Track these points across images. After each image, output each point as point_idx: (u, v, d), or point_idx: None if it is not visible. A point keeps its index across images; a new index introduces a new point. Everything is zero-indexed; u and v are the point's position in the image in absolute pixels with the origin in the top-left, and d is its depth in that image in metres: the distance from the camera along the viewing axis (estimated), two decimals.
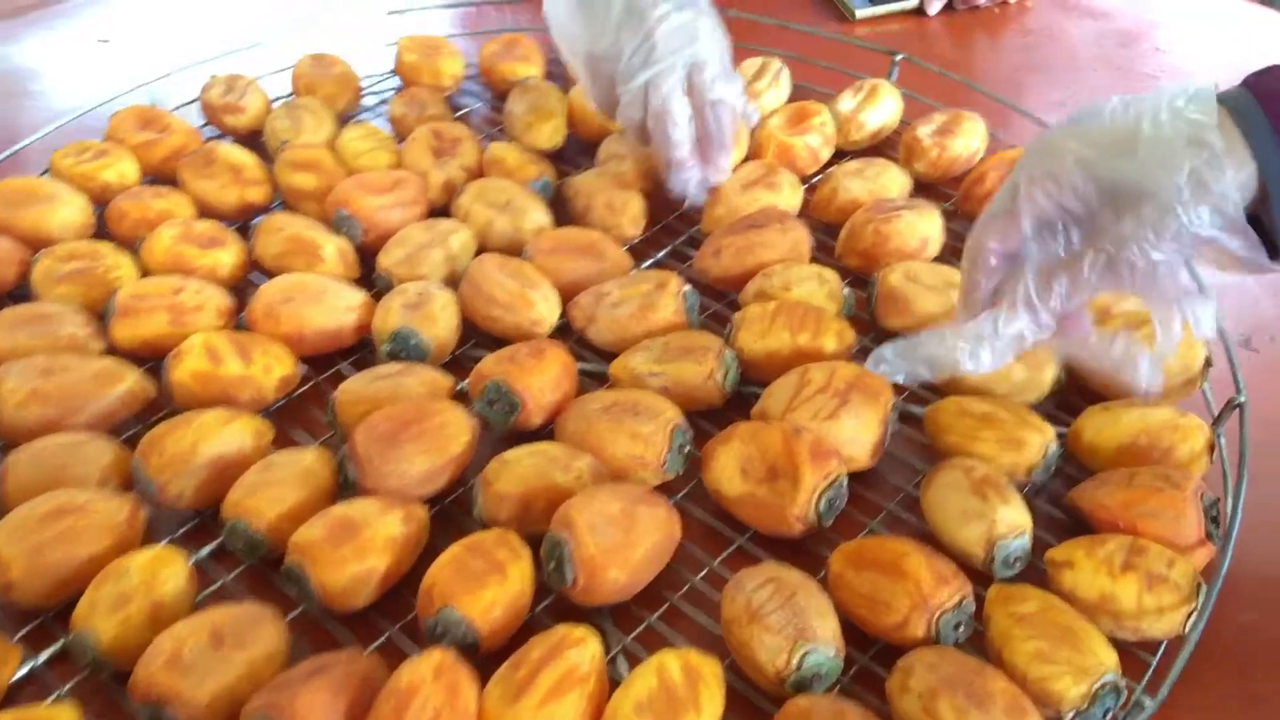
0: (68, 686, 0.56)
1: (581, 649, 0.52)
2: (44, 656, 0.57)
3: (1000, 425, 0.64)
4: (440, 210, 0.87)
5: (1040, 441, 0.63)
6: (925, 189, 0.91)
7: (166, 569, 0.57)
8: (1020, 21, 1.21)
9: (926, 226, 0.79)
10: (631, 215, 0.84)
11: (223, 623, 0.54)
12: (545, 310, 0.74)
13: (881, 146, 0.96)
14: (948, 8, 1.21)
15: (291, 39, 1.05)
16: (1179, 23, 1.20)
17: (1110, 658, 0.53)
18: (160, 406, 0.70)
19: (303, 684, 0.49)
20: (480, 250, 0.82)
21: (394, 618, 0.60)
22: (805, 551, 0.62)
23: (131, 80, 1.00)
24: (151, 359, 0.72)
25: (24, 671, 0.56)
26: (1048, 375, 0.68)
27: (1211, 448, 0.64)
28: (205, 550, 0.62)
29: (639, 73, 0.78)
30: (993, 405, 0.65)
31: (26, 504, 0.59)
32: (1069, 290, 0.56)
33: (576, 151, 0.95)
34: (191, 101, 0.99)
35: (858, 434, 0.64)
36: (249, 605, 0.56)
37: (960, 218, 0.87)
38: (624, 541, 0.57)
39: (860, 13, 1.19)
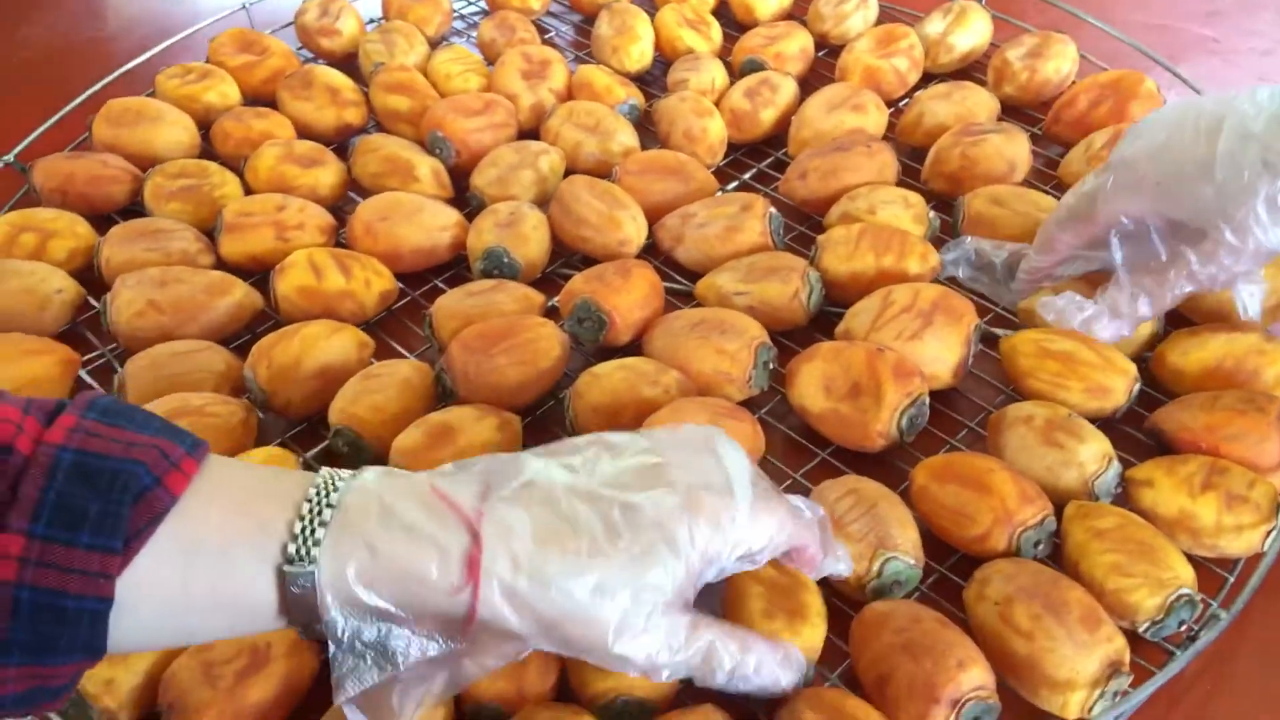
0: None
1: None
2: None
3: (1084, 372, 0.63)
4: (530, 132, 0.89)
5: (1125, 385, 0.63)
6: (1013, 112, 0.90)
7: (281, 467, 0.60)
8: None
9: (1014, 150, 0.79)
10: (708, 145, 0.85)
11: None
12: (633, 231, 0.76)
13: (969, 70, 0.95)
14: None
15: None
16: None
17: (1187, 572, 0.54)
18: (267, 317, 0.74)
19: None
20: (569, 172, 0.83)
21: None
22: (887, 466, 0.64)
23: (228, 3, 1.03)
24: (258, 272, 0.76)
25: None
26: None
27: None
28: (312, 453, 0.66)
29: None
30: (1073, 343, 0.64)
31: (148, 405, 0.63)
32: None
33: (663, 73, 0.95)
34: (286, 25, 1.01)
35: (940, 354, 0.65)
36: None
37: (1048, 141, 0.87)
38: None
39: None
